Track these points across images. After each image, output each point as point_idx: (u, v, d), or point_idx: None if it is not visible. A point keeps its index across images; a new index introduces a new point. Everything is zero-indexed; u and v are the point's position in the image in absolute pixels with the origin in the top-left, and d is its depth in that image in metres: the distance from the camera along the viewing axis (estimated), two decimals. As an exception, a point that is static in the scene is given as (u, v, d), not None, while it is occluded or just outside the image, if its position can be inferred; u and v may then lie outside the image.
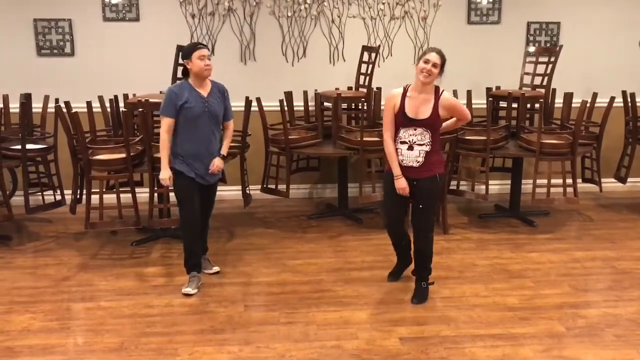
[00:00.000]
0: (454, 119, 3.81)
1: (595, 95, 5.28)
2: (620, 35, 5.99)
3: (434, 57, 3.47)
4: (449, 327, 3.39)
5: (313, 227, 5.18)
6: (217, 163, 3.89)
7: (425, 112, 3.52)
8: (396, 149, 3.62)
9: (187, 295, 3.79)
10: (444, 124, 3.75)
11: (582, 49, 5.91)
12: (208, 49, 3.80)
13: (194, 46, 3.76)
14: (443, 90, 3.58)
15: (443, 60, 3.51)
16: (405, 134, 3.57)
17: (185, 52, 3.77)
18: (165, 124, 3.76)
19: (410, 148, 3.57)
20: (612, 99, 5.17)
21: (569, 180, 4.87)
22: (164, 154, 3.80)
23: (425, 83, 3.50)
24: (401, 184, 3.61)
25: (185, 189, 3.84)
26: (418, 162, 3.56)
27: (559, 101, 5.46)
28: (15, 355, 3.13)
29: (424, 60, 3.48)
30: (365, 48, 5.49)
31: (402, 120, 3.56)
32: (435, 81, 3.54)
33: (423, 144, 3.56)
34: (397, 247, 3.96)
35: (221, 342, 3.24)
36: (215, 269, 4.17)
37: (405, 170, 3.60)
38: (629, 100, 5.39)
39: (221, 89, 3.90)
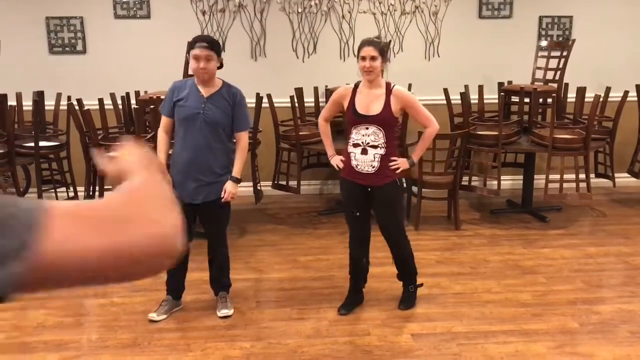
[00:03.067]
0: (422, 138, 3.51)
1: (608, 89, 5.24)
2: (634, 29, 5.92)
3: (369, 50, 3.19)
4: (461, 323, 3.38)
5: (324, 223, 5.18)
6: (228, 189, 3.29)
7: (376, 108, 3.25)
8: (349, 153, 3.36)
9: (151, 321, 3.41)
10: (417, 146, 3.52)
11: (595, 42, 5.85)
12: (207, 47, 3.19)
13: (193, 43, 3.24)
14: (394, 85, 3.30)
15: (381, 48, 3.21)
16: (358, 134, 3.30)
17: (188, 46, 3.31)
18: (161, 123, 3.40)
19: (364, 151, 3.27)
20: (626, 93, 5.13)
21: (582, 176, 4.83)
22: (160, 155, 3.33)
23: (370, 80, 3.26)
24: (335, 161, 3.52)
25: None
26: (373, 167, 3.28)
27: (571, 96, 5.42)
28: (30, 350, 3.16)
29: (360, 57, 3.22)
30: (375, 43, 5.46)
31: (353, 117, 3.31)
32: (385, 72, 3.32)
33: (377, 146, 3.26)
34: (355, 268, 3.58)
35: (233, 338, 3.26)
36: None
37: (360, 177, 3.33)
38: (643, 94, 5.34)
39: (232, 93, 3.31)
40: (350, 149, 3.36)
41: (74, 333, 3.34)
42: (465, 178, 5.12)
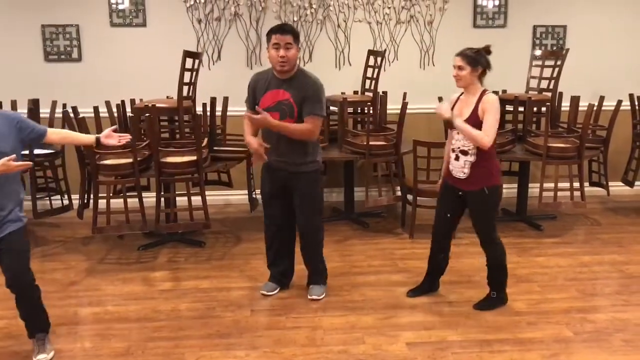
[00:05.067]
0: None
1: (602, 98, 5.27)
2: (627, 38, 5.96)
3: (455, 60, 3.45)
4: (456, 332, 3.38)
5: (319, 231, 5.16)
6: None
7: (465, 114, 3.46)
8: (449, 157, 3.59)
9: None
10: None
11: (589, 52, 5.89)
12: None
13: None
14: (488, 92, 3.46)
15: (468, 58, 3.41)
16: (453, 139, 3.53)
17: None
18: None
19: (457, 158, 3.50)
20: (619, 102, 5.16)
21: (576, 184, 4.85)
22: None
23: (460, 86, 3.51)
24: (439, 183, 3.77)
25: None
26: (464, 173, 3.48)
27: (565, 105, 5.44)
28: (23, 359, 3.14)
29: (453, 67, 3.47)
30: (371, 52, 5.49)
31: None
32: (483, 81, 3.50)
33: (467, 153, 3.45)
34: (432, 258, 3.81)
35: (228, 347, 3.25)
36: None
37: (454, 180, 3.56)
38: (636, 103, 5.38)
39: (9, 118, 2.99)
40: (450, 153, 3.59)
41: (67, 342, 3.32)
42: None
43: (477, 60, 3.42)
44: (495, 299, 3.67)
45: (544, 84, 5.38)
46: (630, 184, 5.53)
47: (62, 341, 3.32)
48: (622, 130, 5.61)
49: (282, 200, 3.74)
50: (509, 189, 5.90)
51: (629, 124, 5.51)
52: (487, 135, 3.37)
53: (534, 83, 5.45)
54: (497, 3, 5.80)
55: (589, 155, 5.15)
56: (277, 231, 3.84)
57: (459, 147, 3.50)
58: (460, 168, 3.50)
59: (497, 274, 3.65)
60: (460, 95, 3.59)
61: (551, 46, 5.89)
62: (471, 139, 3.41)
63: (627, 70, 5.97)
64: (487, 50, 3.49)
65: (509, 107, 5.30)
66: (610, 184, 5.39)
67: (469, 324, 3.48)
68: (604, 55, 5.96)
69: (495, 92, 5.49)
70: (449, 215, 3.67)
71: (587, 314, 3.59)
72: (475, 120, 3.41)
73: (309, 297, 3.80)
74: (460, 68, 3.42)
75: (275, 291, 3.89)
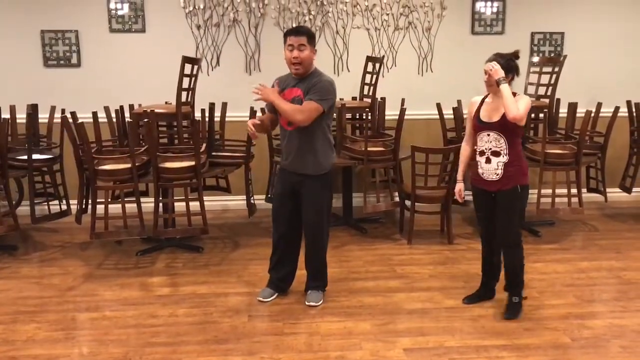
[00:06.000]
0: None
1: (599, 105, 5.29)
2: (624, 45, 5.99)
3: (487, 67, 3.44)
4: (453, 338, 3.38)
5: (317, 237, 5.16)
6: None
7: (498, 115, 3.45)
8: (476, 162, 3.57)
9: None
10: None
11: (586, 59, 5.92)
12: None
13: None
14: (518, 95, 3.45)
15: (500, 66, 3.40)
16: (481, 141, 3.52)
17: None
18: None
19: (488, 160, 3.49)
20: (617, 108, 5.18)
21: (574, 190, 4.86)
22: None
23: (492, 92, 3.50)
24: (456, 188, 3.78)
25: None
26: (497, 174, 3.48)
27: (563, 111, 5.46)
28: (20, 365, 3.14)
29: (484, 72, 3.48)
30: (369, 58, 5.51)
31: (477, 124, 3.55)
32: (512, 85, 3.46)
33: (500, 154, 3.46)
34: (484, 263, 3.79)
35: (225, 353, 3.24)
36: None
37: (486, 184, 3.55)
38: (633, 110, 5.40)
39: None
40: (477, 157, 3.58)
41: (64, 347, 3.31)
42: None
43: (508, 69, 3.44)
44: (518, 303, 3.65)
45: (541, 91, 5.39)
46: (628, 190, 5.54)
47: (60, 346, 3.31)
48: (620, 137, 5.63)
49: (291, 202, 3.77)
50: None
51: (626, 131, 5.53)
52: (519, 108, 3.33)
53: (531, 89, 5.46)
54: (495, 10, 5.83)
55: (587, 162, 5.17)
56: (283, 234, 3.85)
57: (490, 149, 3.48)
58: (493, 170, 3.49)
59: (515, 278, 3.64)
60: (484, 98, 3.58)
61: (549, 53, 5.92)
62: (507, 105, 3.32)
63: (624, 76, 5.99)
64: (516, 55, 3.52)
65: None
66: (607, 190, 5.40)
67: (467, 329, 3.48)
68: (601, 62, 5.98)
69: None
70: (487, 219, 3.64)
71: (584, 320, 3.59)
72: (506, 124, 3.40)
73: (307, 303, 3.80)
74: (490, 73, 3.42)
75: (273, 297, 3.89)
